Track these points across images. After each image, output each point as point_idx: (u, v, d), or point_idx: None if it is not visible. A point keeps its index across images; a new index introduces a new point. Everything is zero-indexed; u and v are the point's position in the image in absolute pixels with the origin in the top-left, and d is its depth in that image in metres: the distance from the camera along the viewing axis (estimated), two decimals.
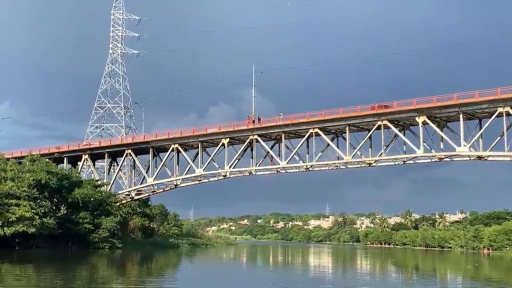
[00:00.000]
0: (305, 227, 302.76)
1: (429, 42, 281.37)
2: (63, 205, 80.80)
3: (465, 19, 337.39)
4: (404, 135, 70.41)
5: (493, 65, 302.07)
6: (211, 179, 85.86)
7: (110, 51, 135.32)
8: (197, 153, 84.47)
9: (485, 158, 64.92)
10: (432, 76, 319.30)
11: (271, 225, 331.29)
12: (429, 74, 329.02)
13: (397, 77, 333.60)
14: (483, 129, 64.68)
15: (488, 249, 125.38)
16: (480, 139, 65.11)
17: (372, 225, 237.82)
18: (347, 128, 72.00)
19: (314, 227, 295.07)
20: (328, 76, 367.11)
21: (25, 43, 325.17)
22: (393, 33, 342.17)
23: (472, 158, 66.61)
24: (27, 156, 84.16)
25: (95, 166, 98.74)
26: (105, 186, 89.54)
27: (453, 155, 67.19)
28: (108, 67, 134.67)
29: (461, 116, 64.36)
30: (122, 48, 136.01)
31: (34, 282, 34.91)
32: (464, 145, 64.58)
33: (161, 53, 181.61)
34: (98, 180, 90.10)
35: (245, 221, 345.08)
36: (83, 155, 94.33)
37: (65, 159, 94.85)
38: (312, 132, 74.09)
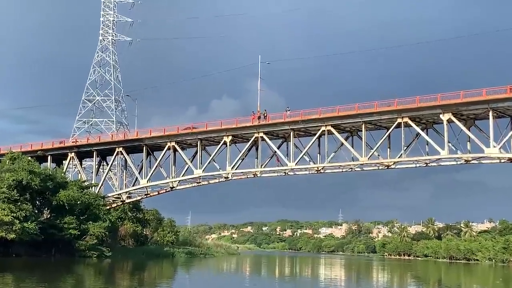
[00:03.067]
0: (316, 235, 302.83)
1: (456, 31, 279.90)
2: (46, 209, 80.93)
3: (493, 6, 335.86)
4: (427, 134, 70.18)
5: None
6: (211, 181, 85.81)
7: (100, 37, 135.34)
8: (196, 152, 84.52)
9: None
10: (460, 69, 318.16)
11: (277, 233, 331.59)
12: (457, 67, 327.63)
13: (420, 69, 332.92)
14: None
15: None
16: None
17: (390, 234, 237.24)
18: (363, 125, 71.83)
19: (325, 236, 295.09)
20: (344, 67, 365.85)
21: (7, 29, 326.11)
22: (416, 20, 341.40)
23: (502, 161, 66.36)
24: (7, 153, 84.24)
25: (82, 166, 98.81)
26: (93, 187, 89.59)
27: (482, 157, 66.94)
28: (98, 56, 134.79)
29: (490, 113, 64.02)
30: (113, 34, 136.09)
31: None
32: (494, 146, 64.30)
33: (157, 40, 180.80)
34: (85, 181, 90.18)
35: (249, 229, 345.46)
36: (69, 153, 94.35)
37: (49, 157, 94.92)
38: (324, 130, 73.96)
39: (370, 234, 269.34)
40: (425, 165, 71.83)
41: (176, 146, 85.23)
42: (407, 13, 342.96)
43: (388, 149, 72.97)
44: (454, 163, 70.39)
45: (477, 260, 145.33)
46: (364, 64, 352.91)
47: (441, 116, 66.88)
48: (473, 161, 68.93)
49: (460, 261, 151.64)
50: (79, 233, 77.38)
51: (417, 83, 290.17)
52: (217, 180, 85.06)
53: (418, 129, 69.43)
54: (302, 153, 76.19)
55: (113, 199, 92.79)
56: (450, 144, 67.73)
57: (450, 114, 66.13)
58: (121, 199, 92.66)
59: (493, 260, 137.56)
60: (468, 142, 67.90)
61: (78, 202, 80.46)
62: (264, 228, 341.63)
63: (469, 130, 67.45)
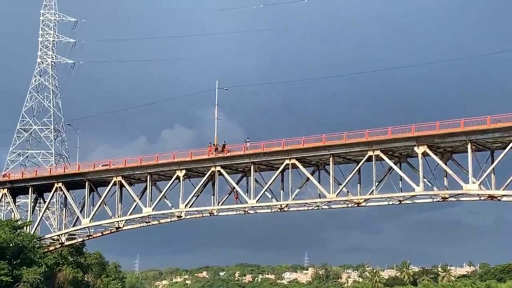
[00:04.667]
0: (279, 281, 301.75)
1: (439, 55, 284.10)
2: None
3: (479, 30, 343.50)
4: (400, 168, 70.87)
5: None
6: (162, 221, 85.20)
7: (38, 60, 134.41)
8: (145, 188, 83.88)
9: (498, 198, 65.63)
10: (447, 97, 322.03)
11: (236, 278, 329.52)
12: (442, 94, 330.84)
13: (401, 97, 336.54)
14: (495, 162, 65.50)
15: None
16: (492, 174, 65.78)
17: (361, 280, 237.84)
18: (331, 159, 72.25)
19: (289, 282, 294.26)
20: (314, 94, 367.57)
21: None
22: (397, 43, 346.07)
23: (482, 198, 67.29)
24: None
25: (16, 204, 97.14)
26: (28, 227, 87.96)
27: (460, 194, 67.79)
28: (36, 80, 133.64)
29: (469, 146, 64.96)
30: (53, 56, 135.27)
31: None
32: (473, 182, 65.14)
33: (102, 63, 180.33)
34: (18, 220, 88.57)
35: (204, 274, 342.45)
36: (1, 190, 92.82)
37: None
38: (289, 164, 74.11)
39: (339, 280, 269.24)
40: (398, 202, 72.42)
41: (123, 181, 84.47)
42: (389, 34, 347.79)
43: (358, 184, 73.51)
44: (430, 200, 71.05)
45: None
46: (337, 90, 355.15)
47: (415, 149, 67.58)
48: (450, 198, 69.64)
49: None
50: (11, 280, 76.06)
51: (398, 112, 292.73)
52: (169, 220, 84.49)
53: (390, 163, 70.03)
54: (264, 189, 76.17)
55: (51, 241, 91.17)
56: (425, 180, 68.45)
57: (426, 146, 66.83)
58: (60, 241, 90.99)
59: None
60: (445, 178, 68.78)
61: (11, 245, 79.08)
62: (221, 274, 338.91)
63: (446, 164, 68.36)
